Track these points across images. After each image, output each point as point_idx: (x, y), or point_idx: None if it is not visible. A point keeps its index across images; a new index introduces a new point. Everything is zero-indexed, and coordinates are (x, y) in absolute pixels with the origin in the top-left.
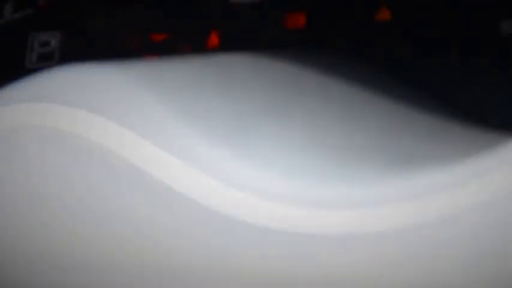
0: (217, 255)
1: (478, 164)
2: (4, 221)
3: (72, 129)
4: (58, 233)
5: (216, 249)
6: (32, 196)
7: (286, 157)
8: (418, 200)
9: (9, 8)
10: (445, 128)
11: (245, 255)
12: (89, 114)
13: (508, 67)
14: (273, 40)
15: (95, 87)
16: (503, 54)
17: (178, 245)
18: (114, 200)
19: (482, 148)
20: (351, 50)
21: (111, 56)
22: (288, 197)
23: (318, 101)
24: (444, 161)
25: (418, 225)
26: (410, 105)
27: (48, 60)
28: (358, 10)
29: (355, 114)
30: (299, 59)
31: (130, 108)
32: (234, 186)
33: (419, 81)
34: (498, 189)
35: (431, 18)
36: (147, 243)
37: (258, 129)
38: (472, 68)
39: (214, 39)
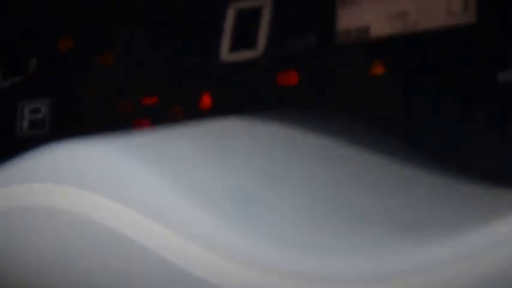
0: None
1: (489, 234)
2: None
3: (67, 207)
4: None
5: None
6: (29, 273)
7: (286, 227)
8: (424, 275)
9: None
10: (448, 188)
11: None
12: (83, 192)
13: (507, 117)
14: (266, 98)
15: (88, 164)
16: (501, 104)
17: None
18: (113, 274)
19: (488, 210)
20: (345, 107)
21: (103, 121)
22: (287, 270)
23: (316, 164)
24: (452, 228)
25: None
26: (411, 165)
27: (39, 128)
28: (350, 65)
29: (355, 178)
30: (294, 120)
31: (125, 184)
32: (231, 259)
33: (417, 137)
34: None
35: (426, 70)
36: None
37: (256, 198)
38: (472, 120)
39: (206, 100)
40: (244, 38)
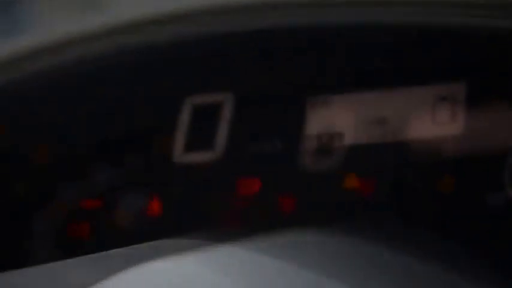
0: None
1: None
2: None
3: None
4: None
5: None
6: None
7: None
8: None
9: None
10: None
11: None
12: None
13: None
14: (223, 207)
15: None
16: (492, 228)
17: None
18: None
19: None
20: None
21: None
22: None
23: None
24: None
25: None
26: None
27: None
28: (320, 176)
29: None
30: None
31: None
32: None
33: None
34: None
35: (413, 190)
36: None
37: None
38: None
39: (155, 206)
40: (200, 137)
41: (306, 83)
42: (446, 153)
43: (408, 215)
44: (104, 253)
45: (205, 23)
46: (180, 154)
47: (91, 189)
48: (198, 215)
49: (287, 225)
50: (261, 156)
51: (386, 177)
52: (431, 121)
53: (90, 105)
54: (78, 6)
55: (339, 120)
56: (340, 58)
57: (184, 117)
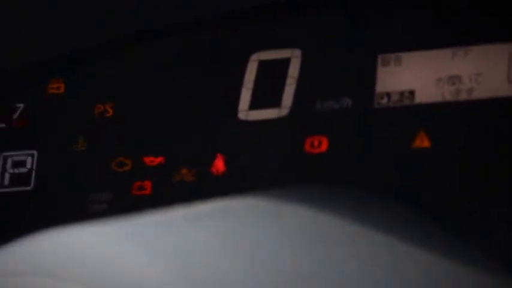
0: None
1: None
2: None
3: None
4: None
5: None
6: None
7: None
8: None
9: None
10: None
11: None
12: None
13: None
14: (289, 166)
15: (77, 255)
16: None
17: None
18: None
19: None
20: (380, 183)
21: (96, 180)
22: None
23: (343, 252)
24: None
25: None
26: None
27: (23, 184)
28: (389, 134)
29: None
30: (318, 199)
31: (116, 274)
32: None
33: (459, 223)
34: None
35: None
36: None
37: None
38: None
39: (219, 164)
40: (267, 94)
41: (377, 39)
42: None
43: (476, 177)
44: (165, 210)
45: None
46: (245, 111)
47: (155, 145)
48: (262, 173)
49: (352, 182)
50: (329, 114)
51: (457, 136)
52: (507, 79)
53: None
54: None
55: (410, 78)
56: (413, 15)
57: (250, 74)
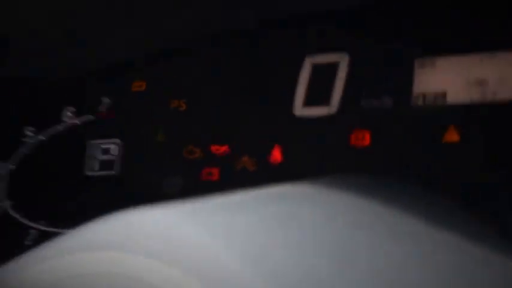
0: None
1: None
2: None
3: (135, 274)
4: None
5: None
6: None
7: None
8: None
9: (68, 113)
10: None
11: None
12: (150, 261)
13: None
14: (336, 157)
15: (155, 233)
16: None
17: None
18: None
19: None
20: (416, 173)
21: (170, 166)
22: None
23: (383, 240)
24: None
25: None
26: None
27: (108, 169)
28: (424, 129)
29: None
30: (363, 188)
31: (190, 253)
32: None
33: (487, 212)
34: None
35: (502, 142)
36: None
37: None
38: None
39: (277, 154)
40: (318, 93)
41: (415, 45)
42: None
43: (499, 168)
44: (230, 194)
45: None
46: (299, 108)
47: (221, 136)
48: (313, 163)
49: (392, 173)
50: (372, 111)
51: (485, 134)
52: None
53: None
54: None
55: (443, 80)
56: (448, 23)
57: (305, 75)
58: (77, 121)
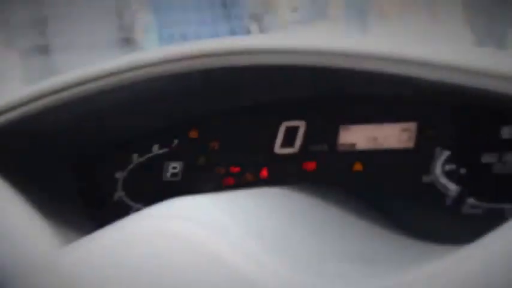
0: None
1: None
2: None
3: (199, 240)
4: None
5: None
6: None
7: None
8: None
9: None
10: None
11: None
12: (216, 234)
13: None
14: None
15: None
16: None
17: None
18: None
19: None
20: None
21: None
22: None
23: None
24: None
25: None
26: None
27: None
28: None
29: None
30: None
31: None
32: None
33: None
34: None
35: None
36: None
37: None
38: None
39: (263, 173)
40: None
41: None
42: None
43: None
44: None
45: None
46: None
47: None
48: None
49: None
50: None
51: None
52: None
53: None
54: None
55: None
56: None
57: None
58: None
